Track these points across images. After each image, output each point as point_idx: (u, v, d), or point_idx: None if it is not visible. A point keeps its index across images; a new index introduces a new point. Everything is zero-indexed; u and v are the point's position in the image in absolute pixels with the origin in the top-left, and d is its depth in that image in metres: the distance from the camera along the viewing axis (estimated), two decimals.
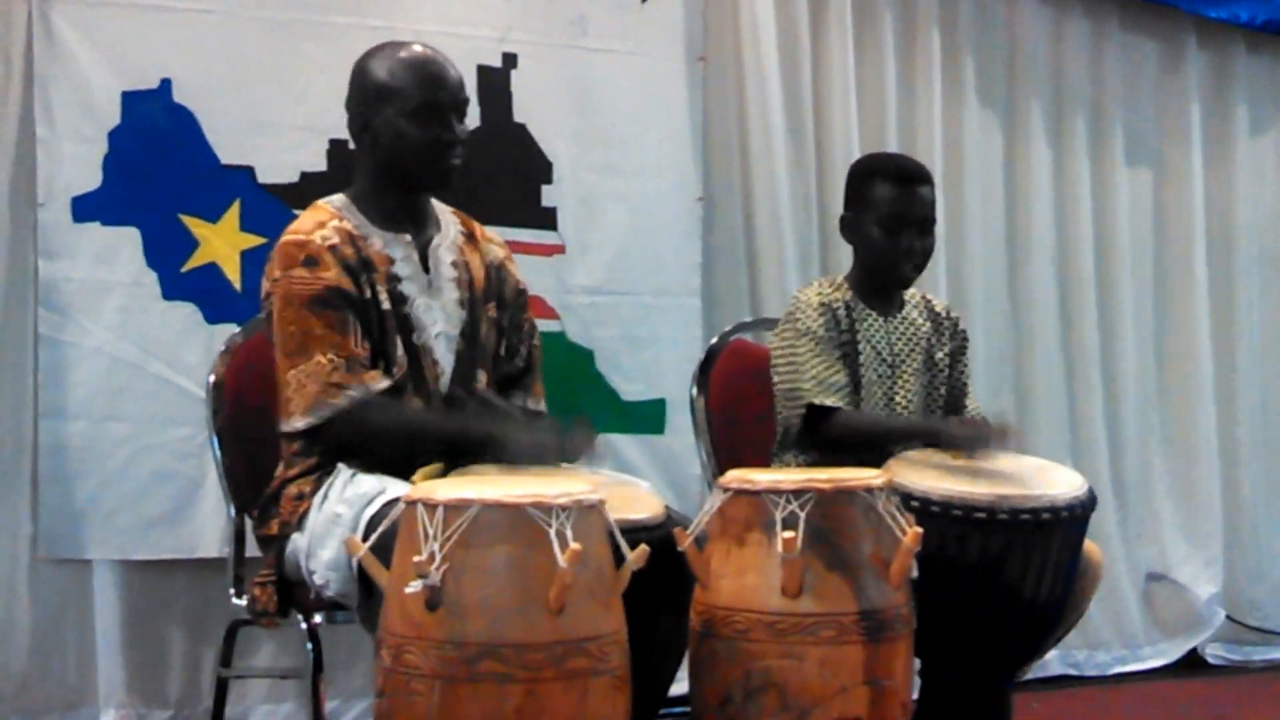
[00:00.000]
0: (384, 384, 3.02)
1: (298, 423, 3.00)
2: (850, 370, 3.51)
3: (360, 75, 3.17)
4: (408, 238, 3.16)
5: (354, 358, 2.99)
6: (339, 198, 3.20)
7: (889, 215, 3.52)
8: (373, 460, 3.01)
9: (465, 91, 3.18)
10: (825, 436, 3.45)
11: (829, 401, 3.43)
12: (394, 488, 2.85)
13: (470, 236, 3.31)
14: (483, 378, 3.23)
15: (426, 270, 3.17)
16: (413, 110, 3.09)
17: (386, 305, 3.09)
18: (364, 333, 3.04)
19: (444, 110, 3.12)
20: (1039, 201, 5.17)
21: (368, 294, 3.07)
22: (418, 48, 3.17)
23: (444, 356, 3.15)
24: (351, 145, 3.23)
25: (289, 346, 3.01)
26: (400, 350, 3.09)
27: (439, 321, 3.15)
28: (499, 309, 3.29)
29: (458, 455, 2.96)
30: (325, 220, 3.11)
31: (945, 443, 3.35)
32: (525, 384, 3.35)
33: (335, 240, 3.06)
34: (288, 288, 3.02)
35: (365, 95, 3.14)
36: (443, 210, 3.30)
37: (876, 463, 3.13)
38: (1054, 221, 5.21)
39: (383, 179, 3.16)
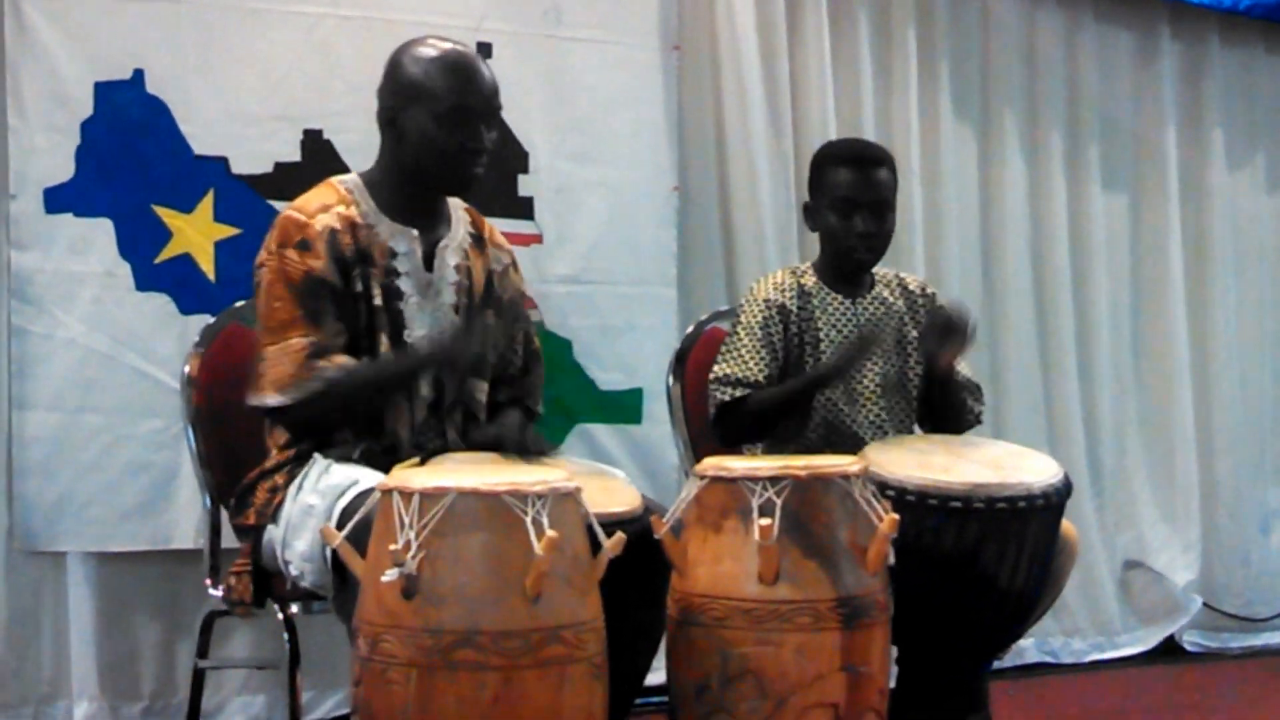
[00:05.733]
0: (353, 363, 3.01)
1: (268, 399, 2.99)
2: (811, 357, 3.52)
3: (394, 68, 3.12)
4: (415, 233, 3.13)
5: (329, 345, 2.98)
6: (353, 178, 3.17)
7: (841, 199, 3.53)
8: (349, 420, 3.04)
9: (499, 99, 3.14)
10: (735, 426, 3.46)
11: (733, 395, 3.44)
12: (367, 478, 2.84)
13: (479, 239, 3.28)
14: (477, 385, 3.21)
15: (430, 269, 3.15)
16: (442, 113, 3.04)
17: (378, 301, 3.06)
18: (346, 325, 3.02)
19: (473, 117, 3.07)
20: (1014, 190, 5.17)
21: (358, 287, 3.05)
22: (457, 48, 3.12)
23: None
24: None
25: (270, 323, 3.00)
26: (386, 346, 3.06)
27: (426, 325, 3.11)
28: (496, 316, 3.26)
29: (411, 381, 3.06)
30: (331, 204, 3.08)
31: (834, 375, 3.39)
32: (523, 386, 3.34)
33: (336, 226, 3.04)
34: (279, 265, 3.00)
35: (397, 89, 3.10)
36: (455, 206, 3.27)
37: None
38: (1029, 211, 5.21)
39: (402, 173, 3.13)
